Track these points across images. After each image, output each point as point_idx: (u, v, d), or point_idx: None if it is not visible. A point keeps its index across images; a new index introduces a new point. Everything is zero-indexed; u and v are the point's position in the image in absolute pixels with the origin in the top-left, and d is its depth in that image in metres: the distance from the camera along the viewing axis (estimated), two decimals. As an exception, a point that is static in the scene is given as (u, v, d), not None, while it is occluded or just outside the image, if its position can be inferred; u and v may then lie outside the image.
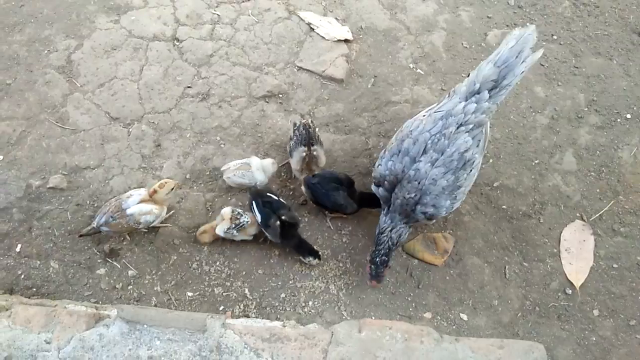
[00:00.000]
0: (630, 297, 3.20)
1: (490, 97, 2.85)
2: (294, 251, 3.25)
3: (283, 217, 3.13)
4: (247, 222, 3.16)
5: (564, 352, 3.06)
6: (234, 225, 3.13)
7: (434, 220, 3.14)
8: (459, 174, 2.89)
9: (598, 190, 3.48)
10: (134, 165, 3.50)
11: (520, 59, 2.80)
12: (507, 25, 4.00)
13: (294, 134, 3.34)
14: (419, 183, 2.88)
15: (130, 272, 3.25)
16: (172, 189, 3.16)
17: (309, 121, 3.33)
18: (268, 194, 3.24)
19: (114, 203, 3.17)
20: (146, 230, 3.31)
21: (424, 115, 3.01)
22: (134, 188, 3.34)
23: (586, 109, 3.71)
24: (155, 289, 3.21)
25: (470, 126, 2.85)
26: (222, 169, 3.42)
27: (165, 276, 3.24)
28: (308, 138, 3.27)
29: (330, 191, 3.19)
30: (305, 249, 3.20)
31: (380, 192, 3.05)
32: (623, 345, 3.08)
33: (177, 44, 3.88)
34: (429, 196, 2.90)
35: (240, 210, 3.20)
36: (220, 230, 3.16)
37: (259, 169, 3.31)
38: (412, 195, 2.91)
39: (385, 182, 3.00)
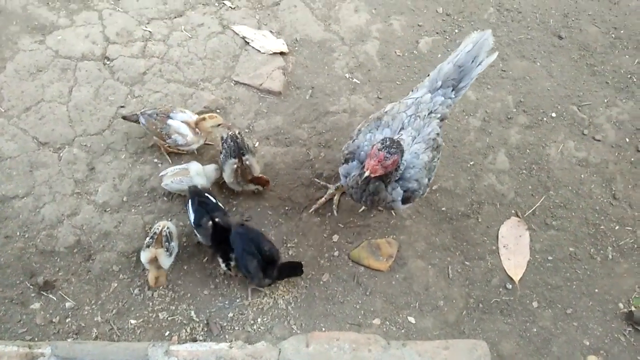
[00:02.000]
0: (565, 287, 3.35)
1: (454, 95, 2.95)
2: (216, 252, 3.15)
3: (216, 220, 3.04)
4: (168, 229, 3.07)
5: (508, 346, 3.16)
6: (167, 245, 3.03)
7: (400, 208, 2.98)
8: (434, 154, 2.88)
9: (530, 187, 3.63)
10: (67, 191, 3.36)
11: (476, 62, 2.91)
12: (437, 33, 4.13)
13: (222, 147, 3.30)
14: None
15: (67, 304, 3.10)
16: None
17: (236, 132, 3.30)
18: (206, 194, 3.14)
19: (167, 107, 3.40)
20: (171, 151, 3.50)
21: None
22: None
23: (515, 110, 3.88)
24: (95, 319, 3.08)
25: (439, 115, 2.92)
26: (160, 174, 3.33)
27: (106, 305, 3.12)
28: (237, 149, 3.24)
29: (247, 253, 2.98)
30: (223, 253, 3.09)
31: (343, 169, 2.90)
32: (562, 334, 3.22)
33: (108, 62, 3.77)
34: (413, 170, 2.79)
35: (148, 241, 3.05)
36: (167, 263, 3.06)
37: (199, 174, 3.25)
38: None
39: (362, 152, 2.78)
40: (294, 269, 3.16)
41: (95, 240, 3.26)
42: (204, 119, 3.33)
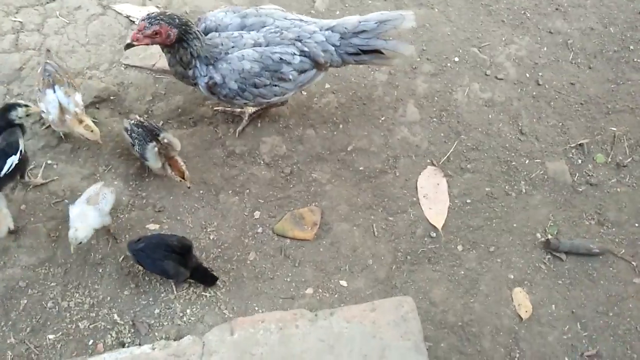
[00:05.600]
0: (486, 227, 3.44)
1: (339, 44, 2.85)
2: None
3: None
4: None
5: (439, 292, 3.22)
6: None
7: (209, 93, 2.97)
8: (267, 76, 2.81)
9: (442, 134, 3.66)
10: (-48, 210, 3.04)
11: (380, 28, 2.85)
12: (332, -12, 4.01)
13: (131, 138, 3.09)
14: (232, 47, 2.74)
15: (-26, 332, 2.85)
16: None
17: (137, 117, 3.12)
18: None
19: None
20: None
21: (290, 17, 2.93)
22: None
23: (419, 59, 3.87)
24: (8, 341, 2.85)
25: (305, 49, 2.80)
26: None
27: (18, 324, 2.89)
28: (149, 131, 3.05)
29: (158, 260, 2.84)
30: None
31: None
32: (488, 272, 3.32)
33: (-24, 62, 3.38)
34: (226, 65, 2.76)
35: None
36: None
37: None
38: (217, 50, 2.74)
39: (204, 25, 2.84)
40: (207, 278, 3.03)
41: (-6, 259, 2.99)
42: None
